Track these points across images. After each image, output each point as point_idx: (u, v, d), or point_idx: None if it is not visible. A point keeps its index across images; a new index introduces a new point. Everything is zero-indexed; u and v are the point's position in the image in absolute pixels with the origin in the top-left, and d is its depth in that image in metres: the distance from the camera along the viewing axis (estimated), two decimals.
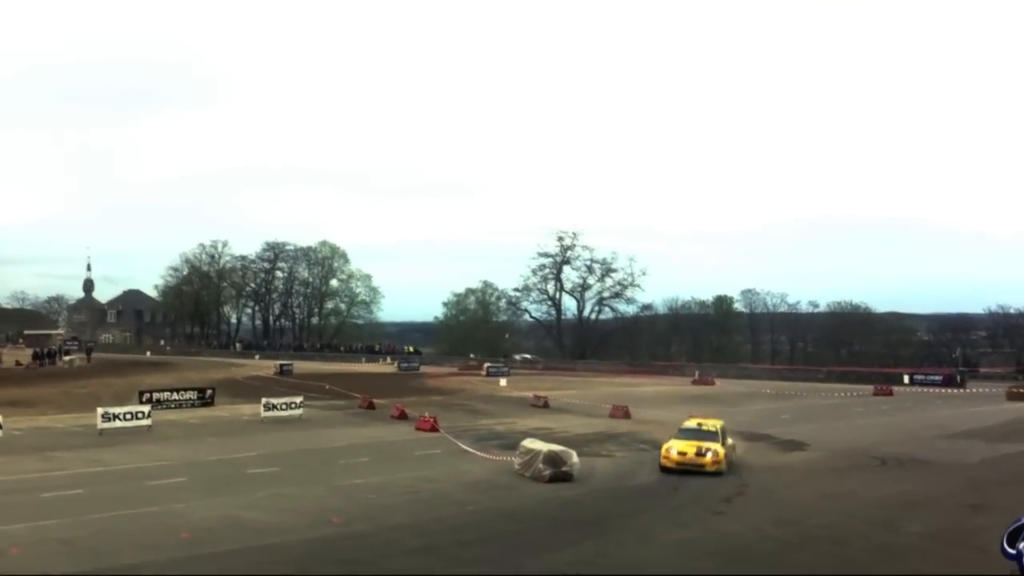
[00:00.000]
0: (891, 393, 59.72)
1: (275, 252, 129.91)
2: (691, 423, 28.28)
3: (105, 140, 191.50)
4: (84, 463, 26.85)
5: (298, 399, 41.30)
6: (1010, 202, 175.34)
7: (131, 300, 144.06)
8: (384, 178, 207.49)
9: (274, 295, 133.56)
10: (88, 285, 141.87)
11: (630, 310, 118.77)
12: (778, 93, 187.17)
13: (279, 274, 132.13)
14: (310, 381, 58.46)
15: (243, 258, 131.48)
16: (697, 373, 74.41)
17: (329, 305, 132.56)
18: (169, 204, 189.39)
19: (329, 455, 29.30)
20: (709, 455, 25.67)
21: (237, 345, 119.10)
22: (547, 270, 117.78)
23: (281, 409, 39.70)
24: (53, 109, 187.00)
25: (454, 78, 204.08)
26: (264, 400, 39.92)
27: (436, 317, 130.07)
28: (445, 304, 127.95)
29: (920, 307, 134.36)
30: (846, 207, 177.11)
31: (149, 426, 34.69)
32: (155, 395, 42.11)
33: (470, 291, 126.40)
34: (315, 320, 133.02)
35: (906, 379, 69.25)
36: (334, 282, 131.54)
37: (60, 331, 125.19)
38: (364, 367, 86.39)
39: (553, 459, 24.71)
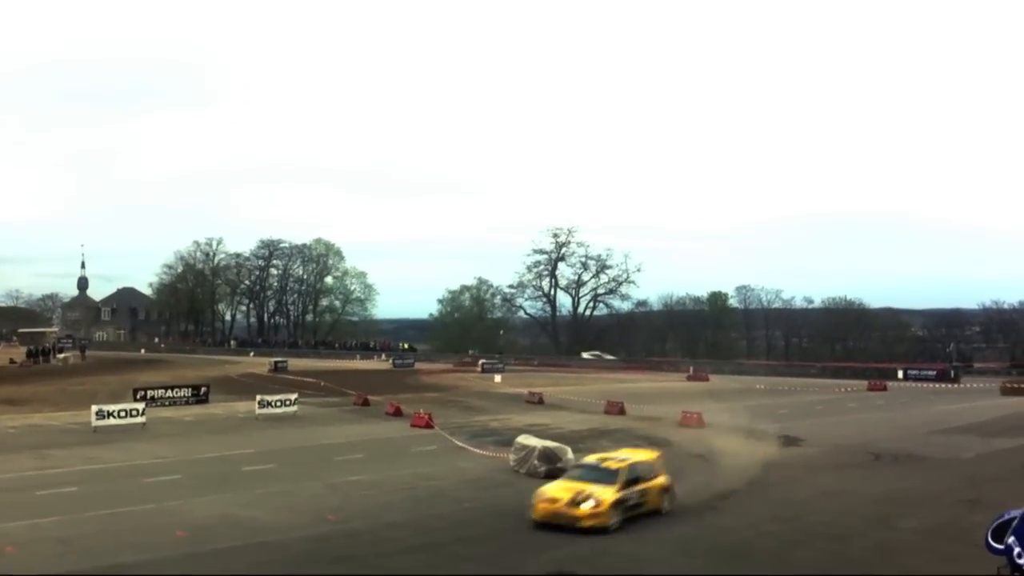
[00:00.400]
0: (885, 388, 59.86)
1: (270, 249, 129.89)
2: (591, 459, 21.30)
3: (100, 139, 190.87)
4: (79, 461, 26.80)
5: (293, 396, 41.27)
6: (1004, 198, 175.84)
7: (125, 298, 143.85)
8: (379, 176, 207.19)
9: (269, 292, 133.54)
10: (82, 283, 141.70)
11: (625, 306, 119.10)
12: (772, 90, 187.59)
13: (274, 271, 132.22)
14: (305, 378, 58.35)
15: (238, 255, 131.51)
16: (692, 369, 74.44)
17: (324, 302, 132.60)
18: (164, 202, 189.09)
19: (324, 452, 29.26)
20: (587, 505, 18.13)
21: (232, 342, 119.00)
22: (542, 267, 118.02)
23: (276, 406, 39.67)
24: (48, 108, 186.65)
25: (450, 76, 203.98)
26: (259, 397, 39.90)
27: (431, 314, 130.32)
28: (440, 301, 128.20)
29: (914, 303, 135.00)
30: (841, 203, 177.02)
31: (144, 424, 34.63)
32: (150, 393, 42.06)
33: (465, 288, 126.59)
34: (310, 317, 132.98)
35: (900, 374, 69.36)
36: (329, 279, 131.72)
37: (54, 329, 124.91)
38: (359, 364, 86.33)
39: (548, 455, 24.71)
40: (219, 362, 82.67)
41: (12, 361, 78.42)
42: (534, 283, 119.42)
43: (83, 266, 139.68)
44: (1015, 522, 6.16)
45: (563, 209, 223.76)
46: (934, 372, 69.21)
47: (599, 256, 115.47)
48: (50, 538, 17.05)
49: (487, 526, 19.11)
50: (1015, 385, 56.56)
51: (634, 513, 18.93)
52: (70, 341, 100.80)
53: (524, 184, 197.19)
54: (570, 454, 25.12)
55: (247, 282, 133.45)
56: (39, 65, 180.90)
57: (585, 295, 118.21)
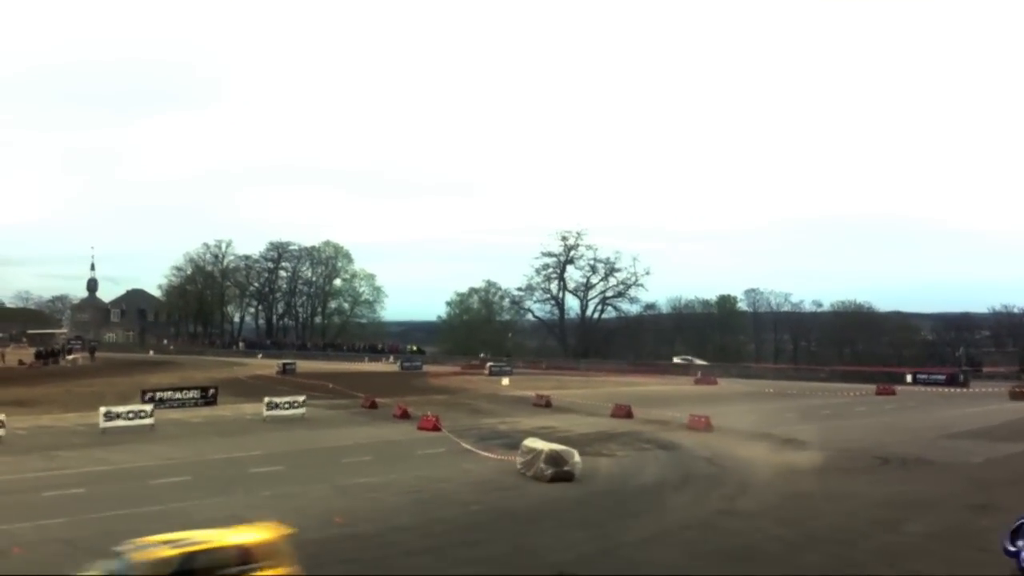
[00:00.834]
0: (894, 393, 59.60)
1: (279, 252, 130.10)
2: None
3: (109, 140, 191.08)
4: (87, 462, 26.89)
5: (301, 398, 41.32)
6: (1015, 201, 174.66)
7: (134, 299, 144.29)
8: (388, 178, 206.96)
9: (277, 294, 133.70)
10: (92, 284, 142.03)
11: (633, 309, 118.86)
12: (782, 92, 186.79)
13: (283, 273, 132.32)
14: (313, 380, 58.43)
15: (247, 258, 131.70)
16: (699, 373, 74.29)
17: (332, 304, 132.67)
18: (173, 204, 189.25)
19: (332, 454, 29.30)
20: None
21: (240, 344, 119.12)
22: (550, 269, 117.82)
23: (284, 408, 39.74)
24: (56, 109, 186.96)
25: (458, 78, 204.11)
26: (267, 399, 39.96)
27: (439, 316, 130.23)
28: (448, 303, 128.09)
29: (924, 306, 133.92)
30: (850, 206, 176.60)
31: (152, 425, 34.73)
32: (158, 394, 42.17)
33: (473, 290, 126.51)
34: (318, 319, 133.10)
35: (909, 378, 69.07)
36: (337, 281, 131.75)
37: (64, 330, 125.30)
38: (367, 366, 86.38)
39: (555, 458, 24.70)
40: (227, 364, 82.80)
41: (21, 362, 78.75)
42: (543, 286, 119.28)
43: (92, 267, 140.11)
44: None
45: (571, 211, 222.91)
46: (943, 376, 68.91)
47: (608, 259, 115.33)
48: (57, 539, 17.11)
49: (493, 529, 19.11)
50: None
51: None
52: (79, 342, 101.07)
53: (533, 186, 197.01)
54: (577, 457, 25.13)
55: (256, 284, 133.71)
56: (46, 66, 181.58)
57: (594, 298, 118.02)
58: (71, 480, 23.65)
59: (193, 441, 32.33)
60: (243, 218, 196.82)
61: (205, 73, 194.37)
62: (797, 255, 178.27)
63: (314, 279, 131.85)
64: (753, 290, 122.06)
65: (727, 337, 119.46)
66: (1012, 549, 5.88)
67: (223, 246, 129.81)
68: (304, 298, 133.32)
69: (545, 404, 47.40)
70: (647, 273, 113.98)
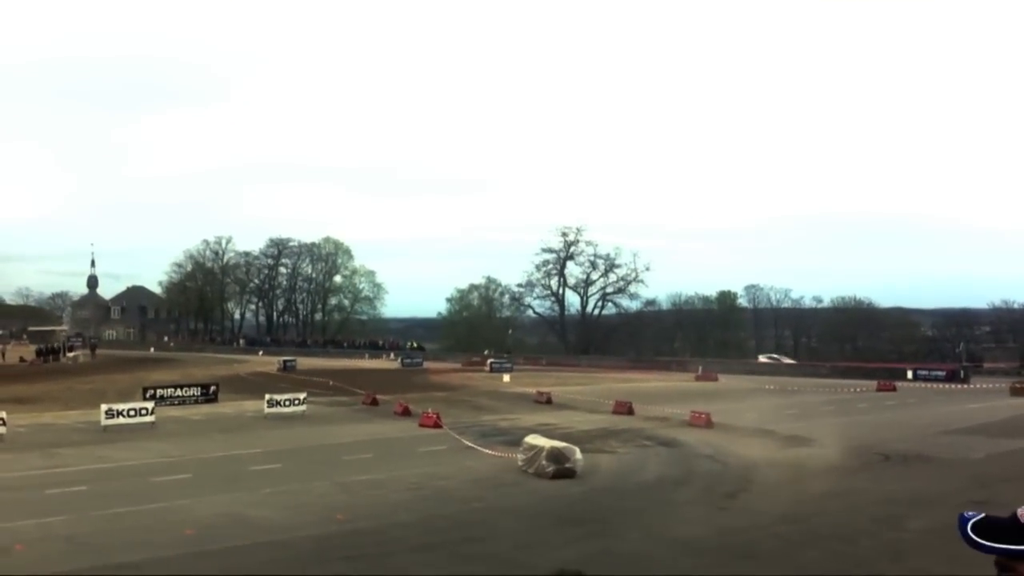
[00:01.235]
0: (895, 389, 59.58)
1: (279, 248, 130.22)
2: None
3: (110, 136, 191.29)
4: (88, 460, 26.91)
5: (301, 395, 41.34)
6: (1015, 197, 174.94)
7: (135, 296, 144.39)
8: (388, 174, 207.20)
9: (278, 291, 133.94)
10: (92, 281, 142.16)
11: (633, 306, 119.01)
12: (782, 88, 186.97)
13: (283, 270, 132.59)
14: (313, 377, 58.44)
15: (247, 254, 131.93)
16: (700, 369, 74.28)
17: (333, 301, 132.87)
18: (173, 200, 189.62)
19: (333, 451, 29.30)
20: None
21: (241, 341, 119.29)
22: (550, 266, 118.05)
23: (284, 405, 39.77)
24: (57, 105, 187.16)
25: (458, 75, 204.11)
26: (268, 396, 39.98)
27: (440, 313, 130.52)
28: (449, 300, 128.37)
29: (924, 302, 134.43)
30: (850, 202, 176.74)
31: (153, 422, 34.74)
32: (159, 391, 42.25)
33: (474, 287, 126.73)
34: (319, 316, 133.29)
35: (910, 374, 69.04)
36: (338, 278, 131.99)
37: (64, 327, 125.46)
38: (367, 363, 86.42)
39: (556, 455, 24.69)
40: (228, 361, 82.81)
41: (22, 359, 78.85)
42: (543, 282, 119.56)
43: (93, 264, 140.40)
44: None
45: (572, 207, 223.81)
46: (944, 372, 68.89)
47: (608, 255, 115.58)
48: (58, 536, 17.12)
49: (494, 526, 19.11)
50: None
51: None
52: (80, 340, 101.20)
53: (532, 182, 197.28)
54: (578, 454, 25.13)
55: (256, 281, 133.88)
56: (47, 61, 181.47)
57: (594, 294, 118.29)
58: (72, 477, 23.65)
59: (194, 438, 32.35)
60: (244, 215, 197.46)
61: (207, 70, 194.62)
62: (797, 251, 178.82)
63: (314, 276, 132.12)
64: (753, 286, 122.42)
65: (727, 334, 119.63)
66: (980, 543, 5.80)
67: (223, 242, 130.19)
68: (304, 295, 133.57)
69: (546, 401, 47.38)
70: (647, 269, 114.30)
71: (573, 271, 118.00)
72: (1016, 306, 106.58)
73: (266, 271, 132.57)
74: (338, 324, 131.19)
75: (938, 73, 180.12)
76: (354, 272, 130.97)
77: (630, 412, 41.46)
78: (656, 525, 18.95)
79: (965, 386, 63.30)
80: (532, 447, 25.47)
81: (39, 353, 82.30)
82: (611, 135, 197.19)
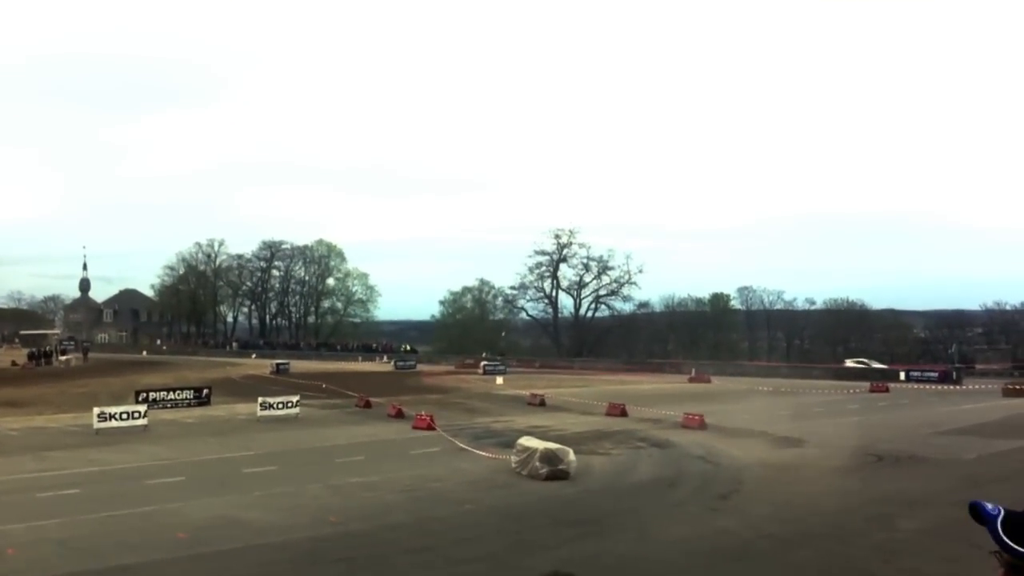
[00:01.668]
0: (887, 390, 59.77)
1: (272, 251, 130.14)
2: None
3: (102, 138, 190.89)
4: (80, 463, 26.83)
5: (295, 398, 41.29)
6: (1007, 198, 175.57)
7: (127, 300, 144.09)
8: (381, 176, 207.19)
9: (270, 294, 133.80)
10: (84, 285, 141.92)
11: (627, 308, 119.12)
12: (772, 89, 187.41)
13: (276, 273, 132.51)
14: (307, 380, 58.40)
15: (239, 257, 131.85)
16: (694, 371, 74.39)
17: (326, 304, 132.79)
18: (165, 203, 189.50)
19: (326, 454, 29.28)
20: None
21: (233, 344, 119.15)
22: (544, 268, 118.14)
23: (277, 408, 39.71)
24: (48, 107, 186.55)
25: (450, 77, 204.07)
26: (260, 399, 39.92)
27: (433, 315, 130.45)
28: (442, 303, 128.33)
29: (916, 304, 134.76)
30: (843, 204, 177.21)
31: (145, 425, 34.68)
32: (151, 394, 42.16)
33: (467, 289, 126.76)
34: (312, 319, 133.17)
35: (902, 376, 69.30)
36: (331, 281, 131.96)
37: (56, 331, 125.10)
38: (360, 366, 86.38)
39: (550, 457, 24.70)
40: (221, 364, 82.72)
41: (14, 363, 78.59)
42: (536, 284, 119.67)
43: (85, 267, 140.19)
44: None
45: (564, 209, 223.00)
46: (936, 374, 69.13)
47: (601, 257, 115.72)
48: (51, 540, 17.07)
49: (488, 527, 19.10)
50: (1017, 387, 56.47)
51: None
52: (72, 343, 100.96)
53: (525, 184, 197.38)
54: (572, 455, 25.14)
55: (249, 283, 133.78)
56: (38, 62, 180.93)
57: (587, 296, 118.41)
58: (65, 481, 23.60)
59: (187, 441, 32.30)
60: (236, 217, 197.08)
61: (199, 71, 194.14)
62: (790, 253, 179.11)
63: (307, 278, 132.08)
64: (746, 288, 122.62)
65: (720, 335, 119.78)
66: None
67: (216, 245, 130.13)
68: (297, 297, 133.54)
69: (539, 403, 47.43)
70: (640, 271, 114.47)
71: (566, 273, 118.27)
72: (1008, 307, 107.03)
73: (259, 274, 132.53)
74: (331, 327, 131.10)
75: (929, 74, 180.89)
76: (347, 275, 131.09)
77: (623, 414, 41.51)
78: (649, 526, 18.96)
79: (957, 387, 63.53)
80: (525, 449, 25.48)
81: (31, 357, 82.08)
82: (604, 137, 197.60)
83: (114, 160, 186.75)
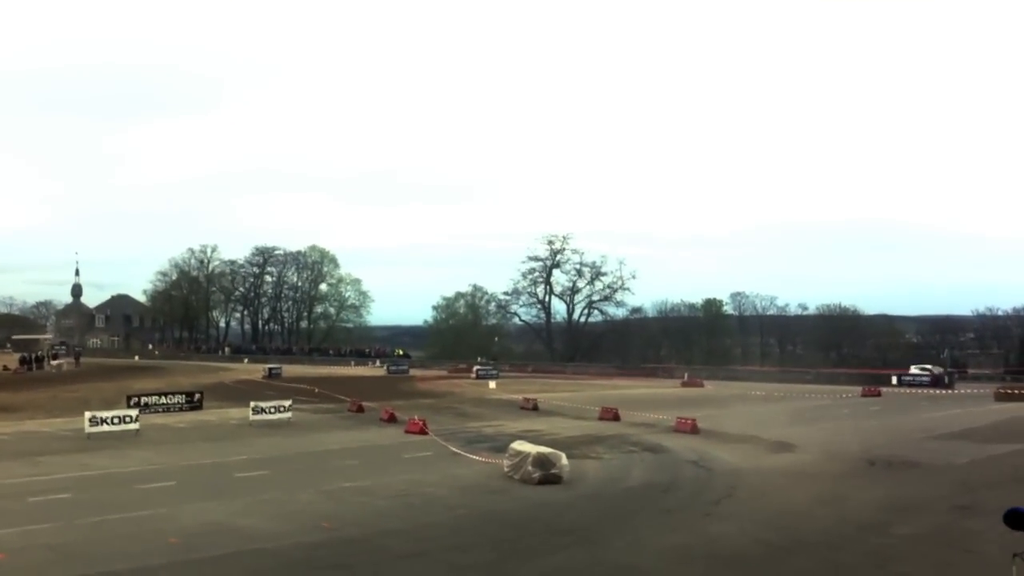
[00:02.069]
0: (879, 394, 59.93)
1: (264, 257, 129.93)
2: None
3: (95, 146, 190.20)
4: (72, 467, 26.74)
5: (287, 403, 41.22)
6: (998, 205, 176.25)
7: (119, 305, 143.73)
8: (374, 183, 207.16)
9: (263, 299, 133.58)
10: (76, 290, 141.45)
11: (620, 313, 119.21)
12: (765, 97, 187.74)
13: (268, 278, 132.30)
14: (299, 385, 58.31)
15: (232, 263, 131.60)
16: (686, 375, 74.46)
17: (318, 309, 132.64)
18: (158, 209, 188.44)
19: (319, 459, 29.21)
20: None
21: (226, 349, 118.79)
22: (537, 274, 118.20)
23: (270, 413, 39.63)
24: (41, 114, 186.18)
25: (444, 84, 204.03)
26: (253, 404, 39.85)
27: (426, 321, 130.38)
28: (435, 308, 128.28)
29: (909, 309, 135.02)
30: (835, 210, 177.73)
31: (137, 430, 34.58)
32: (143, 399, 42.09)
33: (460, 295, 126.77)
34: (304, 324, 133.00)
35: (894, 380, 69.46)
36: (323, 286, 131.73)
37: (48, 336, 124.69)
38: (353, 370, 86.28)
39: (542, 461, 24.69)
40: (213, 369, 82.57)
41: (5, 368, 78.25)
42: (529, 290, 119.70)
43: (77, 273, 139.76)
44: None
45: (558, 216, 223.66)
46: (928, 378, 69.31)
47: (594, 263, 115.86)
48: (42, 545, 16.98)
49: (481, 532, 19.06)
50: (1009, 391, 56.66)
51: None
52: (64, 348, 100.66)
53: (519, 191, 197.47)
54: (564, 460, 25.14)
55: (241, 289, 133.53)
56: (31, 70, 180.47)
57: (580, 302, 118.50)
58: (56, 485, 23.50)
59: (179, 446, 32.20)
60: (229, 224, 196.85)
61: (194, 80, 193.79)
62: (782, 259, 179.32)
63: (300, 284, 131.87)
64: (739, 294, 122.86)
65: (713, 340, 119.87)
66: None
67: (208, 251, 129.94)
68: (290, 303, 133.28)
69: (532, 407, 47.43)
70: (633, 277, 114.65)
71: (559, 279, 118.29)
72: (1000, 312, 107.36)
73: (251, 279, 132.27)
74: (324, 332, 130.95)
75: (922, 82, 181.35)
76: (340, 280, 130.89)
77: (616, 418, 41.55)
78: (642, 531, 18.94)
79: (949, 392, 63.70)
80: (518, 453, 25.46)
81: (23, 361, 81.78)
82: (597, 144, 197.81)
83: (108, 168, 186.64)
